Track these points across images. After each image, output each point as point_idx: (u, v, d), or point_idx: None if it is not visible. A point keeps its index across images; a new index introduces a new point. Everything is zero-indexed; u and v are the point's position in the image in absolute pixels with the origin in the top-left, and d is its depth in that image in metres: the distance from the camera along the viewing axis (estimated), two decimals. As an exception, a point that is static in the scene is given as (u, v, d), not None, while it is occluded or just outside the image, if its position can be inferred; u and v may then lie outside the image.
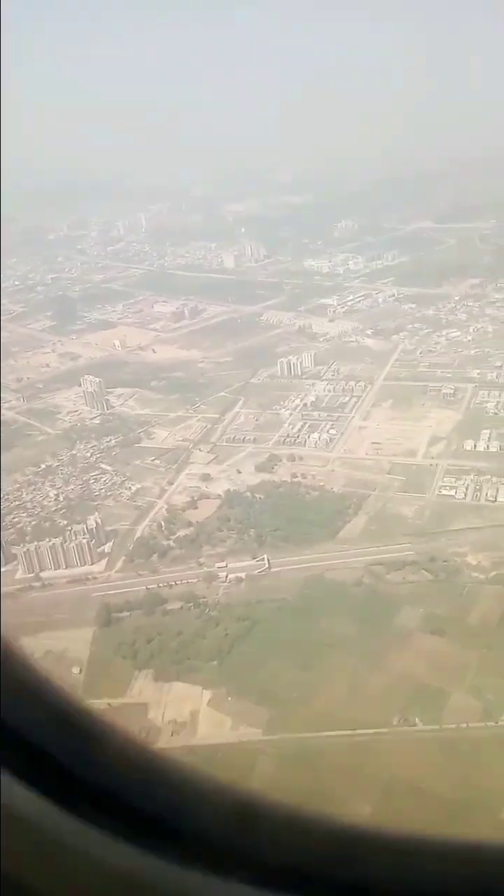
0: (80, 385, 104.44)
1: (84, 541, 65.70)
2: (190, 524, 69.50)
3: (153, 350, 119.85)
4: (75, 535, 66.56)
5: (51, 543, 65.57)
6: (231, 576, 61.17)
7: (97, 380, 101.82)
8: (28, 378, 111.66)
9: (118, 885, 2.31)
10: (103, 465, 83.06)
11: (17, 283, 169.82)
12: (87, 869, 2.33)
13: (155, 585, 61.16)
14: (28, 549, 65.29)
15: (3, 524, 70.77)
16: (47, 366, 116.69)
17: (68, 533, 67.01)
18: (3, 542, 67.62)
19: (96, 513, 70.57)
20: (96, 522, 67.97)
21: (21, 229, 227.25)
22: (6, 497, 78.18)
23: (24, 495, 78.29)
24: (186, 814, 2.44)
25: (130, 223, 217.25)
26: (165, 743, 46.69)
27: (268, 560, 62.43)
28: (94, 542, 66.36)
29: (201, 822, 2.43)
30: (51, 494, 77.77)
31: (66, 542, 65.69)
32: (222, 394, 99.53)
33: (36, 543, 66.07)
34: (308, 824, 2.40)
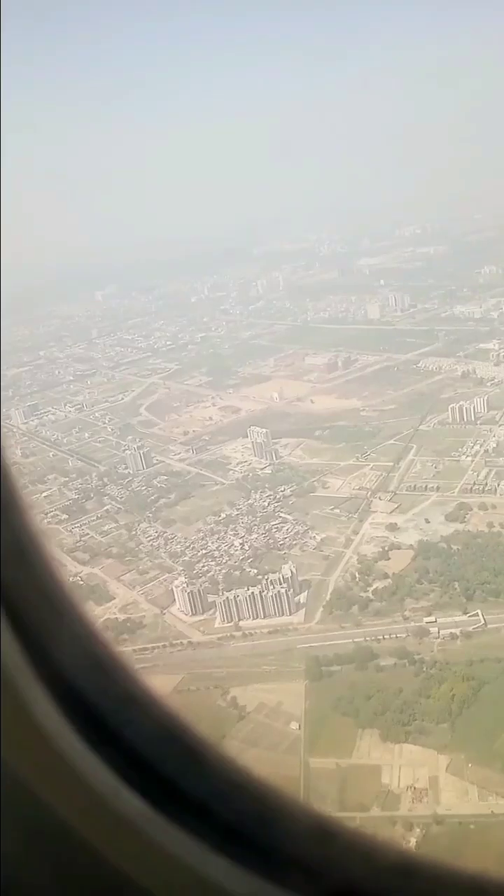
0: (245, 436, 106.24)
1: (282, 590, 64.67)
2: (386, 575, 66.84)
3: (311, 401, 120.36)
4: (271, 585, 65.73)
5: (249, 593, 65.05)
6: (444, 631, 57.51)
7: (264, 430, 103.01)
8: (194, 431, 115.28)
9: (106, 818, 2.30)
10: (283, 514, 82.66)
11: (168, 343, 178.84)
12: (80, 792, 2.29)
13: (362, 639, 58.64)
14: (227, 598, 65.08)
15: None
16: (210, 419, 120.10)
17: (265, 582, 66.27)
18: None
19: (290, 562, 69.64)
20: (291, 572, 66.91)
21: (163, 294, 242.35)
22: (192, 546, 79.61)
23: (209, 544, 79.16)
24: (161, 751, 2.38)
25: (268, 283, 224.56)
26: (407, 810, 43.40)
27: (482, 615, 58.28)
28: (291, 591, 65.17)
29: (170, 767, 2.38)
30: (236, 543, 78.05)
31: (264, 591, 64.94)
32: (391, 442, 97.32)
33: (235, 592, 65.80)
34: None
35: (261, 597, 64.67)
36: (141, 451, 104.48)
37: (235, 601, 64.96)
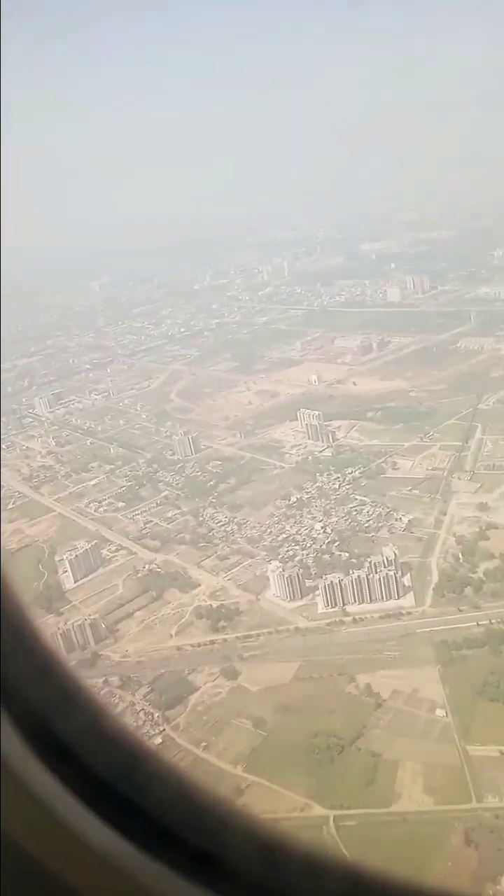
0: (291, 420, 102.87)
1: (389, 573, 61.49)
2: (492, 555, 64.08)
3: (353, 383, 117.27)
4: (376, 568, 62.51)
5: (355, 576, 61.77)
6: None
7: (316, 413, 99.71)
8: (235, 416, 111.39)
9: (109, 874, 2.37)
10: (358, 497, 79.51)
11: (182, 330, 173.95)
12: (82, 853, 2.37)
13: (486, 621, 55.82)
14: (331, 583, 61.71)
15: None
16: (249, 403, 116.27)
17: (369, 565, 63.00)
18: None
19: (391, 544, 66.48)
20: (394, 554, 63.80)
21: (163, 282, 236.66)
22: (269, 531, 76.05)
23: (287, 528, 75.68)
24: (167, 806, 2.46)
25: (272, 269, 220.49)
26: None
27: None
28: (399, 574, 62.06)
29: (178, 816, 2.41)
30: (316, 527, 74.67)
31: (370, 574, 61.71)
32: (452, 421, 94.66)
33: (337, 576, 62.47)
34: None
35: (367, 580, 61.41)
36: (189, 437, 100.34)
37: (340, 585, 61.62)
